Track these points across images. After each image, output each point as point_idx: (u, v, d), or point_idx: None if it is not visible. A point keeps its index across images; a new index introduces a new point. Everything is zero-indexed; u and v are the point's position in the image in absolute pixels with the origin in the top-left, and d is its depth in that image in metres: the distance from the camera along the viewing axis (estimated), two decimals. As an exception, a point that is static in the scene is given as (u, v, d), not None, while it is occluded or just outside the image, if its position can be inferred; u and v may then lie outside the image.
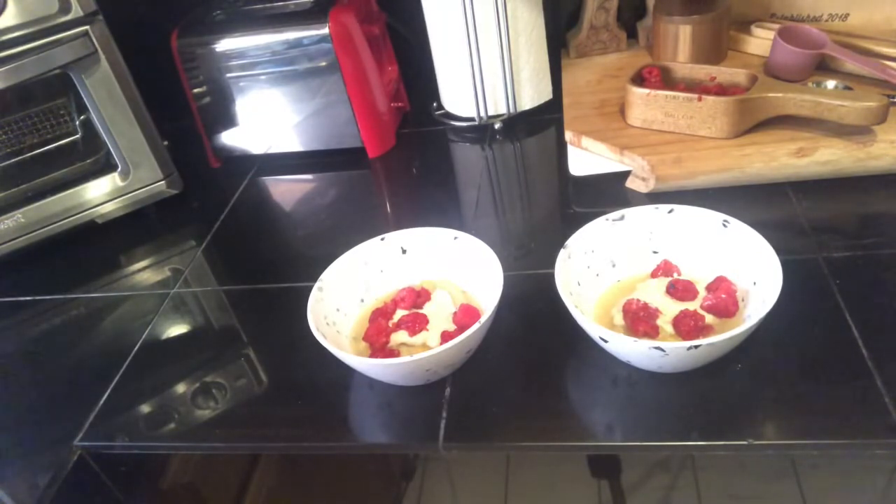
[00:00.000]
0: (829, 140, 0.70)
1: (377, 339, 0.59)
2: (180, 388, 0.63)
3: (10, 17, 0.74)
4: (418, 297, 0.62)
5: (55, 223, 0.85)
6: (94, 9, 0.78)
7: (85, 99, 0.81)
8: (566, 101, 0.89)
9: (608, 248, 0.61)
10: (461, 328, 0.57)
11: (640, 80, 0.80)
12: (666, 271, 0.60)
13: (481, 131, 0.95)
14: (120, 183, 0.86)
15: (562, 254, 0.57)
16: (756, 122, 0.74)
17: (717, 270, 0.58)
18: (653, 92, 0.76)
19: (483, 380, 0.58)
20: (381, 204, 0.88)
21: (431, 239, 0.65)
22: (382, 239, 0.65)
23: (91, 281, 0.82)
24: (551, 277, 0.55)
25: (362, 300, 0.64)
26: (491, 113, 0.94)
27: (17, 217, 0.82)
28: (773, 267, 0.52)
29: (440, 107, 1.00)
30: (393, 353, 0.57)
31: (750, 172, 0.71)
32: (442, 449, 0.53)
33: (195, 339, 0.71)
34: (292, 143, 0.96)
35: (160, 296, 0.76)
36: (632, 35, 1.00)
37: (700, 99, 0.74)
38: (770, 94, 0.71)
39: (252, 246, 0.83)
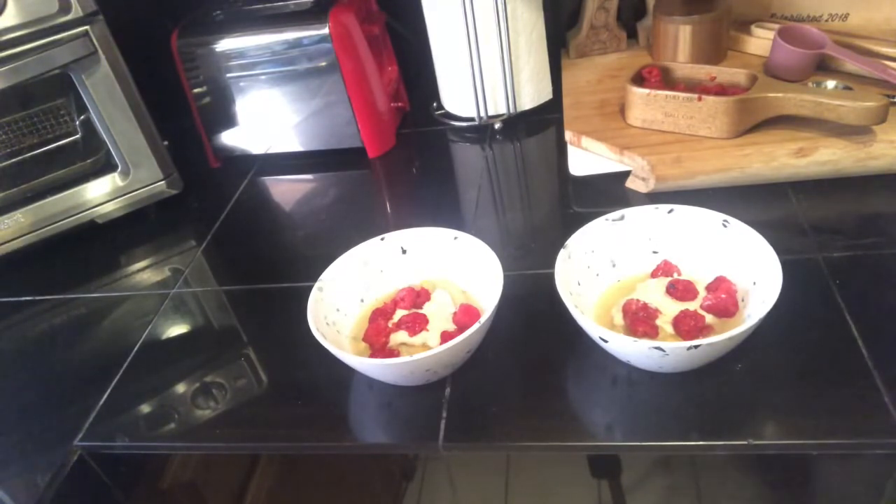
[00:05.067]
0: (829, 140, 0.70)
1: (377, 339, 0.59)
2: (180, 388, 0.63)
3: (10, 17, 0.74)
4: (418, 297, 0.62)
5: (55, 223, 0.85)
6: (94, 9, 0.78)
7: (85, 99, 0.81)
8: (566, 101, 0.89)
9: (608, 248, 0.61)
10: (461, 328, 0.57)
11: (640, 80, 0.80)
12: (666, 271, 0.60)
13: (481, 131, 0.95)
14: (120, 183, 0.86)
15: (562, 254, 0.57)
16: (756, 122, 0.74)
17: (717, 270, 0.58)
18: (653, 92, 0.76)
19: (483, 380, 0.58)
20: (381, 204, 0.88)
21: (431, 239, 0.65)
22: (382, 239, 0.65)
23: (91, 281, 0.82)
24: (551, 277, 0.55)
25: (362, 300, 0.64)
26: (491, 113, 0.94)
27: (17, 217, 0.82)
28: (773, 267, 0.52)
29: (440, 107, 1.00)
30: (393, 353, 0.57)
31: (750, 172, 0.71)
32: (442, 449, 0.53)
33: (195, 339, 0.71)
34: (292, 143, 0.96)
35: (160, 296, 0.76)
36: (632, 35, 1.00)
37: (700, 99, 0.74)
38: (770, 94, 0.71)
39: (252, 246, 0.83)
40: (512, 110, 0.93)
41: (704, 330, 0.54)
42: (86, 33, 0.78)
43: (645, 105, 0.78)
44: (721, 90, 0.77)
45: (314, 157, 0.96)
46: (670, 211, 0.60)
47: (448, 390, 0.57)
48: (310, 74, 0.89)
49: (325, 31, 0.85)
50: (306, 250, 0.80)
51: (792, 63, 0.81)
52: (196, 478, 0.67)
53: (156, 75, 0.89)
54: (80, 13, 0.77)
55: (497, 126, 0.94)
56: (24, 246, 0.84)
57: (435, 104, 1.00)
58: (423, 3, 0.91)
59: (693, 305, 0.55)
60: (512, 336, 0.61)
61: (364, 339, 0.60)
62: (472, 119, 0.95)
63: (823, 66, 0.82)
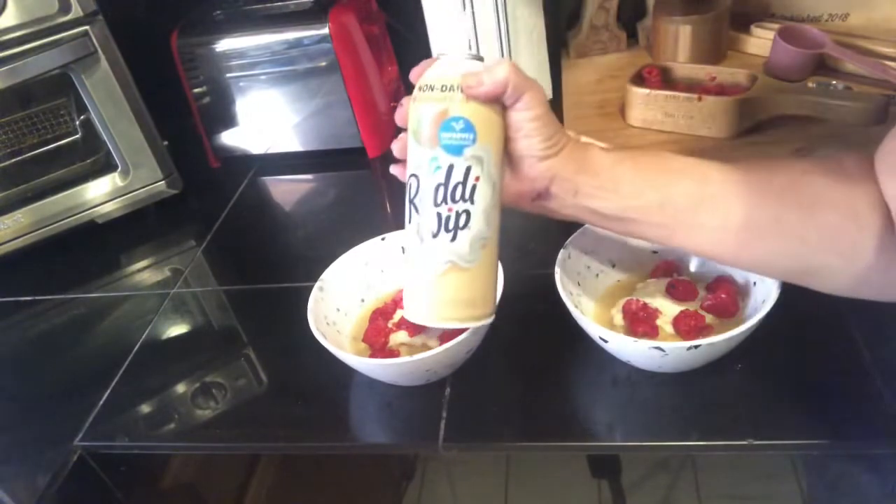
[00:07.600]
0: (828, 140, 0.70)
1: (377, 339, 0.59)
2: (180, 388, 0.63)
3: (10, 17, 0.74)
4: (418, 297, 0.62)
5: (55, 223, 0.84)
6: (94, 9, 0.78)
7: (85, 99, 0.81)
8: (566, 101, 0.88)
9: (608, 248, 0.61)
10: (461, 328, 0.57)
11: (640, 80, 0.80)
12: (666, 271, 0.60)
13: (481, 131, 0.94)
14: (120, 183, 0.86)
15: (562, 254, 0.57)
16: (756, 122, 0.74)
17: (717, 270, 0.58)
18: (653, 92, 0.76)
19: (483, 380, 0.58)
20: (381, 204, 0.88)
21: (431, 239, 0.65)
22: (383, 239, 0.65)
23: (91, 281, 0.82)
24: (551, 277, 0.55)
25: (362, 300, 0.64)
26: (491, 113, 0.93)
27: (17, 217, 0.82)
28: (773, 267, 0.52)
29: (440, 107, 1.00)
30: (393, 353, 0.57)
31: (750, 172, 0.71)
32: (442, 449, 0.53)
33: (195, 339, 0.71)
34: (292, 143, 0.96)
35: (160, 296, 0.76)
36: (632, 35, 1.00)
37: (700, 99, 0.74)
38: (770, 95, 0.71)
39: (252, 246, 0.83)
40: (512, 110, 0.93)
41: (704, 330, 0.54)
42: (86, 33, 0.78)
43: (645, 105, 0.77)
44: (721, 90, 0.77)
45: (314, 157, 0.96)
46: (670, 211, 0.60)
47: (448, 390, 0.57)
48: (310, 74, 0.89)
49: (325, 31, 0.85)
50: (306, 250, 0.80)
51: (792, 63, 0.81)
52: (196, 478, 0.67)
53: (156, 75, 0.89)
54: (80, 13, 0.77)
55: (497, 126, 0.93)
56: (24, 246, 0.84)
57: (435, 104, 1.00)
58: (423, 3, 0.90)
59: (693, 305, 0.55)
60: (512, 336, 0.61)
61: (364, 340, 0.60)
62: (472, 119, 0.94)
63: (823, 66, 0.82)
